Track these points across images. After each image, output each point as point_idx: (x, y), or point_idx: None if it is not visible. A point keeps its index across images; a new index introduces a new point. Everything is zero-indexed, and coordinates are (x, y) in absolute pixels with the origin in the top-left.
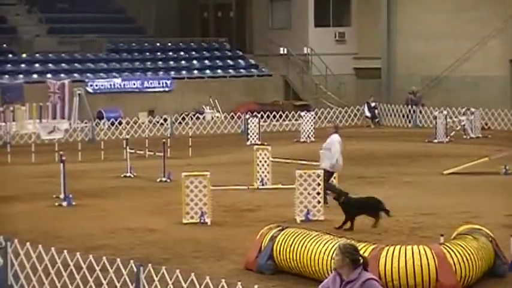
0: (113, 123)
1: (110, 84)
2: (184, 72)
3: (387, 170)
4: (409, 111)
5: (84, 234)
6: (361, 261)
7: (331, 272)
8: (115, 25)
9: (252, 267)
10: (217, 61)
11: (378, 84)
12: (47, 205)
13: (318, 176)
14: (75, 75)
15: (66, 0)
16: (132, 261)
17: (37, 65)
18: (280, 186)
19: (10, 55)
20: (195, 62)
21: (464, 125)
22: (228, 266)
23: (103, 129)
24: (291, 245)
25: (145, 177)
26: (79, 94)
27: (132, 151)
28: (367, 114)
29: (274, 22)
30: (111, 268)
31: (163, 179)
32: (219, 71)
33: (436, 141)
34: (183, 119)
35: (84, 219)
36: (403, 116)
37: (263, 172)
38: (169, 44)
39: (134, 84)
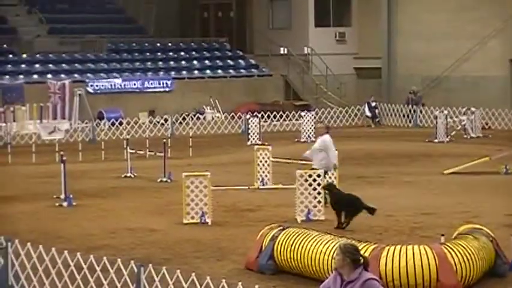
0: (113, 124)
1: (111, 85)
2: (184, 72)
3: (387, 169)
4: (410, 111)
5: (84, 235)
6: (362, 261)
7: (332, 272)
8: (115, 25)
9: (253, 267)
10: (218, 61)
11: (379, 84)
12: (47, 205)
13: (319, 176)
14: (76, 75)
15: (66, 1)
16: (132, 261)
17: (37, 65)
18: (280, 186)
19: (10, 55)
20: (195, 62)
21: (464, 125)
22: (229, 266)
23: (103, 129)
24: (291, 245)
25: (145, 177)
26: (79, 94)
27: (133, 151)
28: (368, 114)
29: (275, 22)
30: (112, 268)
31: (164, 179)
32: (219, 71)
33: (436, 141)
34: (184, 119)
35: (85, 220)
36: (404, 116)
37: (263, 172)
38: (170, 44)
39: (135, 84)
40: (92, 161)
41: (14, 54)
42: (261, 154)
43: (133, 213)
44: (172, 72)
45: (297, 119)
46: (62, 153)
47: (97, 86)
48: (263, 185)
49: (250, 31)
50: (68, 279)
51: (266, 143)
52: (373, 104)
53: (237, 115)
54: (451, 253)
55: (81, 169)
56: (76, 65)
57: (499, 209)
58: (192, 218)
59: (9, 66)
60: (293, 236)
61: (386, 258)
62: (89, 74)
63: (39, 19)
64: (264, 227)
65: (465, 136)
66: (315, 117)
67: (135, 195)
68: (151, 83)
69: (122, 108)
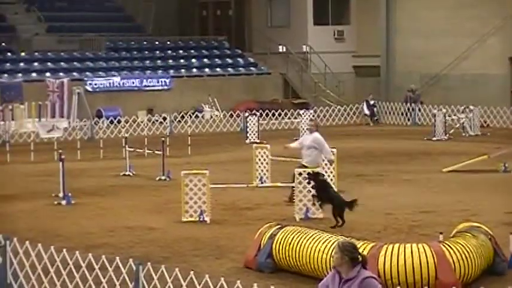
0: (112, 122)
1: (109, 83)
2: (183, 70)
3: (386, 168)
4: (408, 109)
5: (83, 233)
6: (360, 259)
7: (330, 270)
8: (114, 24)
9: (251, 266)
10: (216, 59)
11: (377, 82)
12: (46, 204)
13: (317, 173)
14: (74, 73)
15: None
16: (131, 259)
17: (36, 63)
18: (279, 184)
19: (9, 54)
20: (194, 60)
21: (463, 123)
22: (227, 265)
23: (102, 127)
24: (290, 243)
25: (144, 175)
26: (78, 93)
27: (131, 150)
28: (366, 112)
29: (273, 20)
30: (111, 267)
31: (163, 178)
32: (218, 69)
33: (435, 139)
34: (182, 117)
35: (84, 218)
36: (402, 114)
37: (262, 170)
38: (168, 43)
39: (133, 82)
40: (91, 160)
41: (12, 53)
42: (259, 152)
43: (132, 211)
44: (171, 71)
45: (295, 117)
46: (60, 151)
47: (96, 84)
48: (262, 183)
49: (249, 29)
50: (67, 278)
51: (265, 141)
52: (372, 102)
53: (236, 113)
54: (449, 251)
55: (79, 167)
56: (75, 63)
57: (498, 207)
58: (191, 216)
59: (8, 64)
60: (291, 234)
61: (384, 257)
62: (87, 72)
63: (38, 17)
64: (262, 225)
65: (464, 134)
66: (313, 116)
67: (133, 193)
68: (150, 81)
69: (120, 107)
